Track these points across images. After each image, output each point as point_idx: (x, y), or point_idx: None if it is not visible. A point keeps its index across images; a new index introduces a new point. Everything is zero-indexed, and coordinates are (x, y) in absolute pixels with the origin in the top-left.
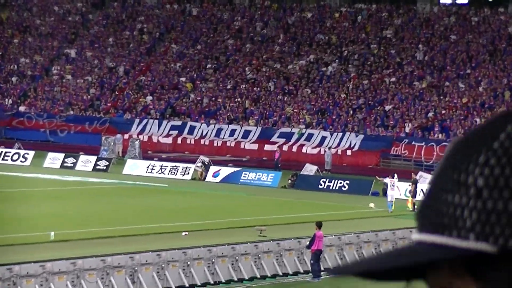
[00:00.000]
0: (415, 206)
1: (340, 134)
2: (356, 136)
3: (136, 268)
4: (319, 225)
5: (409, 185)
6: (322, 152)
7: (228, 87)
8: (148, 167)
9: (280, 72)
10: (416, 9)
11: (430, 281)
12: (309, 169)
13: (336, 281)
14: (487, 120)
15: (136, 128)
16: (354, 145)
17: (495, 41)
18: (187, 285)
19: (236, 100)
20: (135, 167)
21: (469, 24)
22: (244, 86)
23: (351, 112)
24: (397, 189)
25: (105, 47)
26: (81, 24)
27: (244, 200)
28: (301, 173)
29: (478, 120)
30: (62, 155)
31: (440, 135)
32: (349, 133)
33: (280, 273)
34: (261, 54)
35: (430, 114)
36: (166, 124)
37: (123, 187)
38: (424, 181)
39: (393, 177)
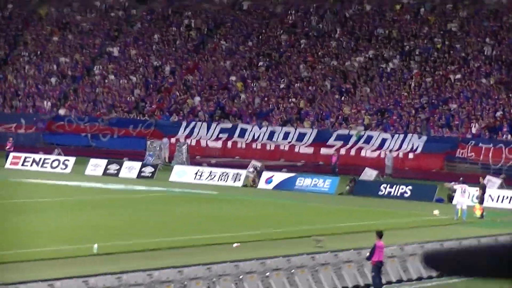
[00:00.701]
0: (483, 213)
1: (402, 136)
2: (419, 137)
3: (185, 282)
4: (379, 234)
5: (476, 190)
6: (382, 156)
7: (282, 86)
8: (196, 173)
9: (337, 70)
10: (483, 0)
11: None
12: (369, 174)
13: None
14: None
15: (184, 131)
16: (417, 147)
17: None
18: None
19: (290, 100)
20: (182, 173)
21: None
22: (298, 85)
23: (414, 112)
24: (468, 196)
25: (150, 44)
26: (124, 20)
27: (299, 208)
28: (360, 178)
29: None
30: (104, 162)
31: (509, 136)
32: (411, 134)
33: (339, 287)
34: (316, 50)
35: (499, 113)
36: (215, 126)
37: (170, 195)
38: (493, 185)
39: (463, 183)
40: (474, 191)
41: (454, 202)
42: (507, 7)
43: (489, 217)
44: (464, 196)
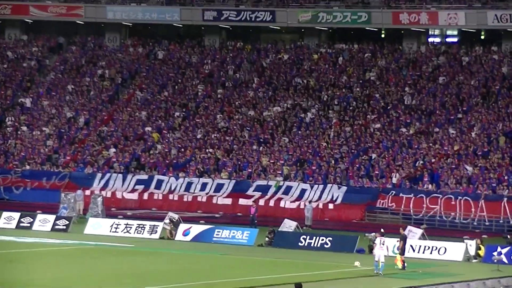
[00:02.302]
0: (405, 264)
1: (321, 186)
2: (339, 188)
3: None
4: (298, 286)
5: (397, 241)
6: (301, 206)
7: (198, 136)
8: (112, 225)
9: (255, 120)
10: (402, 48)
11: None
12: (288, 225)
13: None
14: None
15: (99, 183)
16: (337, 198)
17: (488, 82)
18: None
19: (207, 150)
20: (97, 226)
21: (460, 64)
22: (215, 135)
23: (333, 162)
24: (386, 249)
25: (64, 95)
26: (37, 70)
27: (217, 260)
28: (279, 229)
29: (470, 169)
30: (17, 214)
31: (430, 186)
32: (331, 185)
33: None
34: (233, 100)
35: (419, 163)
36: (131, 178)
37: (85, 248)
38: (414, 236)
39: (381, 235)
40: (395, 241)
41: (374, 253)
42: (426, 55)
43: (410, 268)
44: (383, 248)
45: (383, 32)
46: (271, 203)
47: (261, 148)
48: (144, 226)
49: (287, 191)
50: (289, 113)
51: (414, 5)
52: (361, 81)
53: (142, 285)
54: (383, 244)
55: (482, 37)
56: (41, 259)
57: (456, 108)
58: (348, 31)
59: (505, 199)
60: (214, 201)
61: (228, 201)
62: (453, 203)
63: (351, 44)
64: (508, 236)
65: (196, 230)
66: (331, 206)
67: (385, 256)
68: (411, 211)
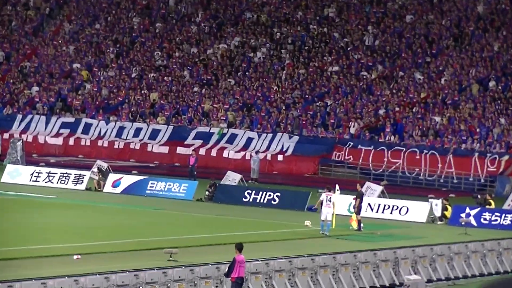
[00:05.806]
0: (361, 225)
1: (270, 136)
2: (290, 137)
3: None
4: (239, 247)
5: (353, 199)
6: (247, 157)
7: (133, 76)
8: (32, 174)
9: (198, 58)
10: None
11: None
12: (232, 178)
13: None
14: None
15: (19, 126)
16: (287, 148)
17: (461, 23)
18: None
19: (142, 92)
20: (16, 174)
21: (430, 1)
22: (152, 75)
23: (284, 108)
24: (333, 206)
25: None
26: None
27: (151, 215)
28: (222, 182)
29: (438, 119)
30: None
31: (392, 138)
32: (281, 134)
33: None
34: (174, 35)
35: (381, 112)
36: (56, 120)
37: (1, 198)
38: (372, 193)
39: (330, 190)
40: (351, 199)
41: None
42: None
43: (367, 229)
44: (330, 205)
45: None
46: (213, 152)
47: (203, 90)
48: (69, 175)
49: (231, 139)
50: (236, 52)
51: None
52: (318, 18)
53: (65, 241)
54: (330, 201)
55: None
56: None
57: (424, 51)
58: None
59: (476, 154)
60: (148, 149)
61: (165, 149)
62: (417, 157)
63: None
64: (479, 196)
65: (128, 181)
66: (280, 157)
67: (334, 214)
68: (370, 165)
